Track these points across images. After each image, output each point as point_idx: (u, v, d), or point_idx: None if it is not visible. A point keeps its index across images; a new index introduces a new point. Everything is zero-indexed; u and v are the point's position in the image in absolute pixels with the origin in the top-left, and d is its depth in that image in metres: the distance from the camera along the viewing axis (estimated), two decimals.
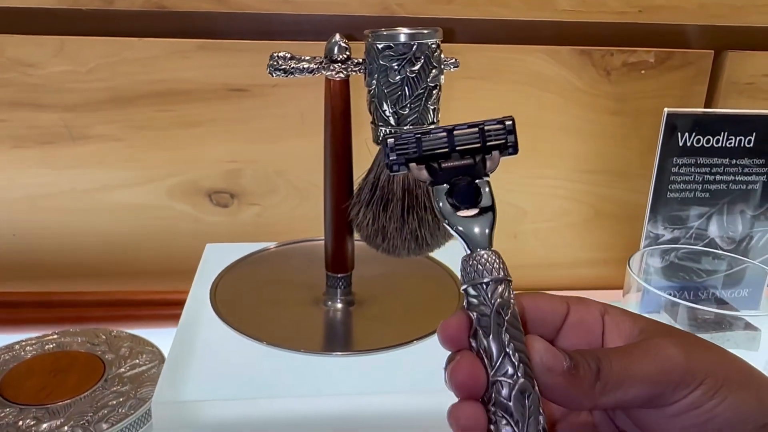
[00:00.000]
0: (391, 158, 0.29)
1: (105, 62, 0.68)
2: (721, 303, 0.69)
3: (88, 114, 0.69)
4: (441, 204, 0.29)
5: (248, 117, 0.71)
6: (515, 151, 0.29)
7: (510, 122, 0.29)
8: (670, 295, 0.60)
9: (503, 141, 0.28)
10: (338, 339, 0.49)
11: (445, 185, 0.29)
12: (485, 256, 0.28)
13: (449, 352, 0.29)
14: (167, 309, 0.70)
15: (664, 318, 0.61)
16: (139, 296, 0.72)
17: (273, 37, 0.69)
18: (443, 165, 0.29)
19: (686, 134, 0.67)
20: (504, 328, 0.26)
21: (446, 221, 0.29)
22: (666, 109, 0.66)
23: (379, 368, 0.44)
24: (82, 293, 0.71)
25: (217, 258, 0.57)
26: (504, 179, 0.75)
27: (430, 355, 0.45)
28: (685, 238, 0.71)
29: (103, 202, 0.72)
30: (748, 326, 0.61)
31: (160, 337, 0.64)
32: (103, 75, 0.68)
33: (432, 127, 0.30)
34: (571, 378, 0.26)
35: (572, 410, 0.31)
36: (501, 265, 0.28)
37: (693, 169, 0.68)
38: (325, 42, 0.47)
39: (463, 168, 0.29)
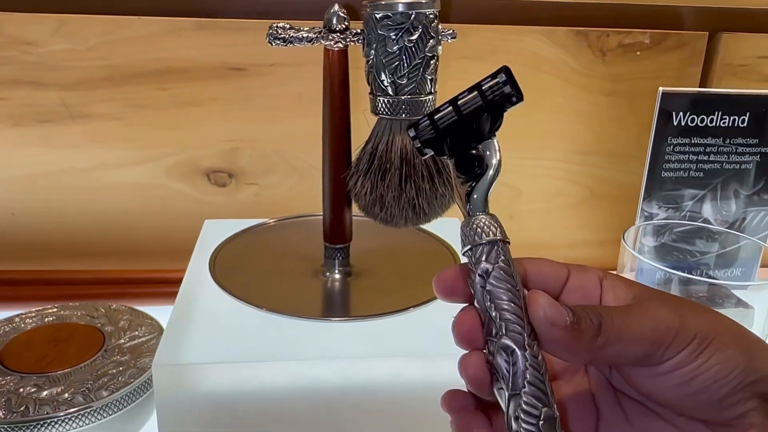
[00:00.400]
0: (417, 145, 0.30)
1: (104, 40, 0.68)
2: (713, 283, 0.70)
3: (87, 92, 0.69)
4: (453, 178, 0.30)
5: (247, 96, 0.71)
6: (519, 98, 0.29)
7: (502, 74, 0.29)
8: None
9: (501, 92, 0.29)
10: (336, 306, 0.50)
11: (453, 158, 0.30)
12: (480, 219, 0.28)
13: (444, 319, 0.30)
14: (166, 287, 0.71)
15: None
16: (137, 274, 0.72)
17: (271, 17, 0.69)
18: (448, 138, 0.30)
19: (681, 114, 0.67)
20: (486, 290, 0.27)
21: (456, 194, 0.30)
22: (661, 89, 0.66)
23: (376, 334, 0.45)
24: (81, 271, 0.72)
25: (216, 233, 0.58)
26: None
27: (425, 322, 0.46)
28: (679, 218, 0.71)
29: (102, 181, 0.73)
30: (740, 303, 0.61)
31: (159, 312, 0.64)
32: (102, 53, 0.68)
33: (439, 106, 0.31)
34: (574, 332, 0.27)
35: (571, 363, 0.32)
36: (491, 228, 0.28)
37: (687, 149, 0.69)
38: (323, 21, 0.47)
39: (464, 134, 0.30)
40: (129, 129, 0.71)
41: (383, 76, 0.45)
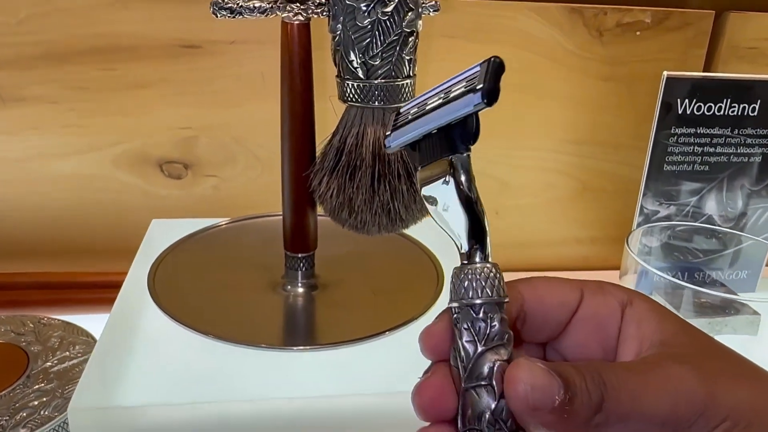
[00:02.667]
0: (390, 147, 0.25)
1: (37, 11, 0.60)
2: (718, 285, 0.64)
3: (20, 72, 0.61)
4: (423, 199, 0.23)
5: (203, 78, 0.63)
6: (487, 100, 0.22)
7: (477, 68, 0.22)
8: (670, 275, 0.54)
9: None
10: (299, 330, 0.42)
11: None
12: (476, 269, 0.23)
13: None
14: (112, 292, 0.63)
15: (658, 300, 0.55)
16: (79, 278, 0.64)
17: None
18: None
19: (686, 101, 0.61)
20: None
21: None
22: (665, 73, 0.60)
23: (345, 364, 0.38)
24: (14, 274, 0.64)
25: (163, 235, 0.50)
26: (484, 150, 0.69)
27: (403, 348, 0.39)
28: (681, 216, 0.65)
29: (39, 172, 0.65)
30: (747, 310, 0.56)
31: (101, 324, 0.57)
32: (36, 27, 0.60)
33: (412, 100, 0.24)
34: (563, 414, 0.20)
35: None
36: (493, 283, 0.22)
37: (692, 140, 0.62)
38: None
39: (430, 145, 0.23)
40: (69, 114, 0.63)
41: (352, 56, 0.37)
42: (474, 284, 0.22)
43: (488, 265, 0.23)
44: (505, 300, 0.22)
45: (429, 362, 0.24)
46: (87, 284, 0.64)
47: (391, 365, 0.39)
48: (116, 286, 0.64)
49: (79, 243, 0.67)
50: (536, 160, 0.70)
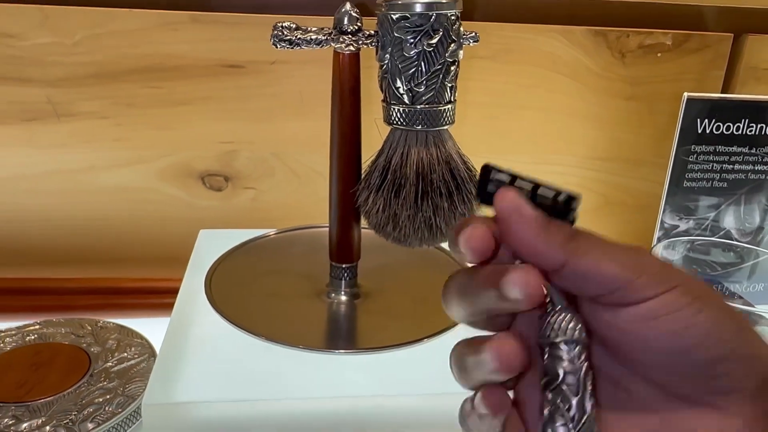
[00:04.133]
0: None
1: (91, 34, 0.63)
2: (736, 297, 0.66)
3: (74, 89, 0.65)
4: None
5: (244, 95, 0.67)
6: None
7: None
8: None
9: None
10: (342, 335, 0.46)
11: None
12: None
13: None
14: (156, 297, 0.67)
15: None
16: (126, 284, 0.68)
17: (271, 11, 0.65)
18: None
19: (705, 120, 0.64)
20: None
21: None
22: (686, 94, 0.62)
23: (385, 367, 0.41)
24: (65, 279, 0.67)
25: (211, 245, 0.53)
26: (509, 164, 0.71)
27: (441, 355, 0.42)
28: (700, 230, 0.68)
29: (89, 184, 0.68)
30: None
31: (149, 327, 0.60)
32: (89, 48, 0.64)
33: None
34: (542, 228, 0.25)
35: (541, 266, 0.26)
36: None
37: (711, 158, 0.65)
38: (330, 17, 0.43)
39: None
40: (118, 129, 0.67)
41: (399, 83, 0.41)
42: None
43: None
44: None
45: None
46: (132, 290, 0.68)
47: (430, 370, 0.41)
48: (160, 291, 0.68)
49: (124, 251, 0.71)
50: (559, 175, 0.73)
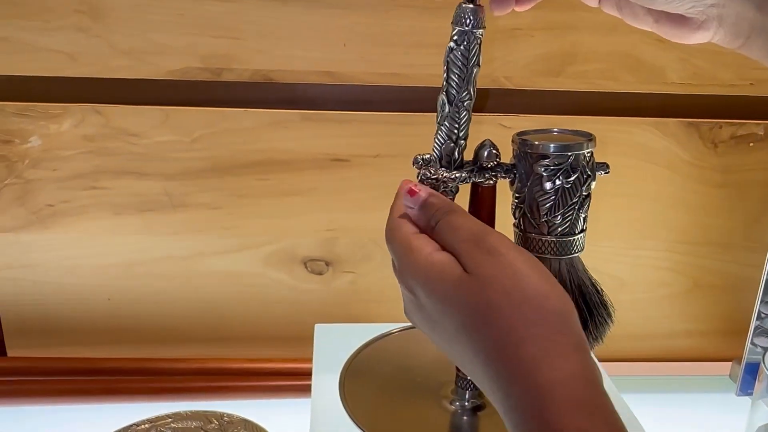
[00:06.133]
0: None
1: (208, 132, 0.67)
2: None
3: (189, 182, 0.69)
4: None
5: (347, 186, 0.70)
6: None
7: None
8: None
9: None
10: None
11: None
12: None
13: None
14: (260, 379, 0.70)
15: None
16: (232, 364, 0.71)
17: (377, 107, 0.68)
18: None
19: None
20: None
21: None
22: None
23: None
24: (174, 360, 0.70)
25: (331, 342, 0.56)
26: (603, 249, 0.73)
27: None
28: None
29: (199, 269, 0.72)
30: None
31: (259, 411, 0.64)
32: (206, 145, 0.67)
33: None
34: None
35: None
36: None
37: None
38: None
39: None
40: (228, 218, 0.70)
41: (535, 215, 0.43)
42: None
43: None
44: None
45: None
46: (238, 371, 0.71)
47: None
48: (263, 373, 0.71)
49: (230, 330, 0.74)
50: (651, 259, 0.75)
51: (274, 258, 0.72)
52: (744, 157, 0.71)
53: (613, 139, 0.70)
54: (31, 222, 0.69)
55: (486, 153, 0.43)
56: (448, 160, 0.43)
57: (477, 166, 0.43)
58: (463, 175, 0.43)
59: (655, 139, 0.70)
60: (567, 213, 0.43)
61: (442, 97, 0.42)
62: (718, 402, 0.71)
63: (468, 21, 0.39)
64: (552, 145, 0.42)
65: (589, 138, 0.44)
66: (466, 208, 0.46)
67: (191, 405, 0.67)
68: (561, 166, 0.42)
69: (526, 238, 0.44)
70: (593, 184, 0.44)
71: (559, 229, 0.43)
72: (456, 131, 0.42)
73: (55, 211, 0.69)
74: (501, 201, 0.46)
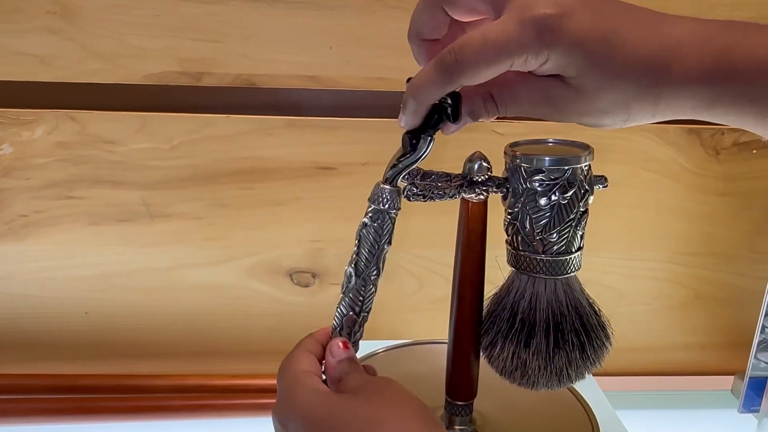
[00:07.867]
0: None
1: (188, 139, 0.64)
2: None
3: (169, 191, 0.66)
4: None
5: (334, 195, 0.67)
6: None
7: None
8: None
9: None
10: None
11: None
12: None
13: None
14: (245, 397, 0.67)
15: None
16: (216, 380, 0.68)
17: (364, 113, 0.65)
18: None
19: None
20: None
21: None
22: None
23: None
24: (154, 376, 0.67)
25: None
26: (601, 261, 0.71)
27: None
28: None
29: (180, 281, 0.69)
30: None
31: (242, 430, 0.62)
32: (186, 152, 0.65)
33: None
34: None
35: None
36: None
37: None
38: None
39: None
40: (210, 228, 0.68)
41: (529, 232, 0.40)
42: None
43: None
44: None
45: None
46: (222, 388, 0.68)
47: None
48: (247, 390, 0.68)
49: (213, 345, 0.71)
50: (650, 270, 0.72)
51: (258, 270, 0.69)
52: (747, 165, 0.69)
53: (613, 146, 0.67)
54: (3, 233, 0.66)
55: (476, 166, 0.41)
56: (349, 331, 0.41)
57: (467, 180, 0.41)
58: (452, 191, 0.40)
59: (655, 147, 0.67)
60: (563, 230, 0.40)
61: (350, 269, 0.41)
62: (720, 419, 0.68)
63: (384, 201, 0.39)
64: (547, 159, 0.39)
65: (587, 150, 0.41)
66: (456, 223, 0.43)
67: (171, 424, 0.64)
68: (557, 181, 0.39)
69: (518, 257, 0.41)
70: (591, 199, 0.41)
71: (555, 247, 0.40)
72: (360, 304, 0.41)
73: (29, 221, 0.66)
74: (492, 217, 0.43)
